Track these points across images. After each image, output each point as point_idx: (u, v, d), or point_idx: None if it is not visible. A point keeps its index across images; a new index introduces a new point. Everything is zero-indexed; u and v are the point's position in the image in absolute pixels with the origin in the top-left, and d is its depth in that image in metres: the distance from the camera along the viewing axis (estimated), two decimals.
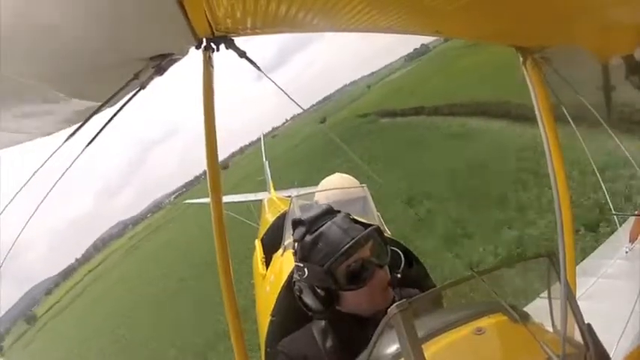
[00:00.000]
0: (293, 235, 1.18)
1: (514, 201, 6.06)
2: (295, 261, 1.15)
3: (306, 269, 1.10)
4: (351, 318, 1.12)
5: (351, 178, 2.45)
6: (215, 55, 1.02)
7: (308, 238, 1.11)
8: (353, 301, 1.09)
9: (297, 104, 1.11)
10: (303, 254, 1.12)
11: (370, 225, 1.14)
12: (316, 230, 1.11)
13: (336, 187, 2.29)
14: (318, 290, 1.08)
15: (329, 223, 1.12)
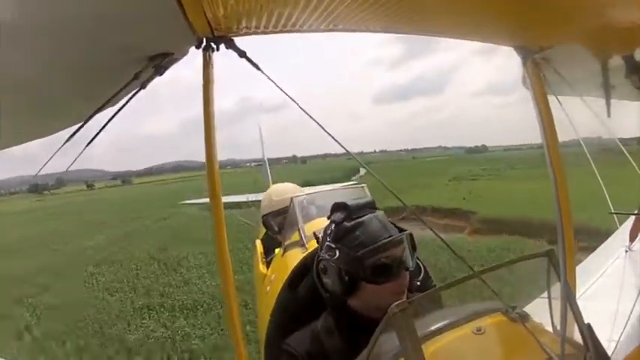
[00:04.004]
0: (331, 216, 1.20)
1: None
2: (326, 240, 1.17)
3: (337, 251, 1.12)
4: (360, 319, 1.11)
5: (295, 185, 2.68)
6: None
7: (347, 223, 1.13)
8: (371, 296, 1.10)
9: (315, 120, 1.09)
10: (338, 237, 1.13)
11: (404, 229, 1.18)
12: (357, 218, 1.14)
13: (287, 192, 2.40)
14: (344, 274, 1.10)
15: (371, 215, 1.15)
